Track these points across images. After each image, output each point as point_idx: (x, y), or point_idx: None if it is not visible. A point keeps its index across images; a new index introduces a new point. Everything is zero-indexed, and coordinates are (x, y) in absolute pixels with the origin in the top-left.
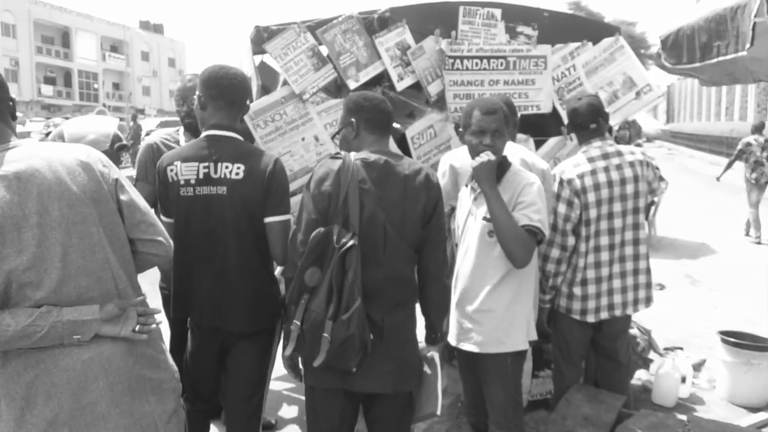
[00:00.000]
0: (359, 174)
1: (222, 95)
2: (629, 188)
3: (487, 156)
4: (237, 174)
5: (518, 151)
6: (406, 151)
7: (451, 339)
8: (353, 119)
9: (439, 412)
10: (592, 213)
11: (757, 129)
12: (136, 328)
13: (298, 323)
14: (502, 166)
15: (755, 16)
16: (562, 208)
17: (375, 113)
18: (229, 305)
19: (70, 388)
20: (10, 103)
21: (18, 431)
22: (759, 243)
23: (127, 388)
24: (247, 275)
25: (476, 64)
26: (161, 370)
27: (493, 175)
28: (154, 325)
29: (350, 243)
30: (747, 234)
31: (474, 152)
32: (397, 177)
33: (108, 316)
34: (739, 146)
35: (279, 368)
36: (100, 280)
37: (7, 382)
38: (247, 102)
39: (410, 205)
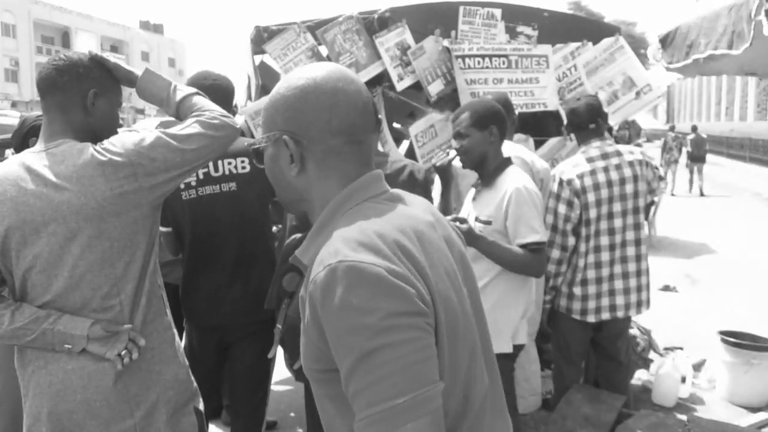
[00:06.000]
0: None
1: (206, 94)
2: (629, 188)
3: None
4: (243, 168)
5: (517, 150)
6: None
7: None
8: None
9: None
10: (592, 213)
11: (671, 129)
12: (122, 353)
13: (280, 327)
14: (500, 166)
15: (755, 16)
16: (562, 209)
17: None
18: (233, 300)
19: (50, 392)
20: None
21: (21, 414)
22: (673, 195)
23: (106, 405)
24: (254, 267)
25: (478, 62)
26: (153, 384)
27: (473, 240)
28: (135, 355)
29: None
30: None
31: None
32: None
33: (94, 336)
34: (663, 140)
35: (281, 370)
36: (106, 296)
37: (19, 368)
38: (233, 104)
39: None
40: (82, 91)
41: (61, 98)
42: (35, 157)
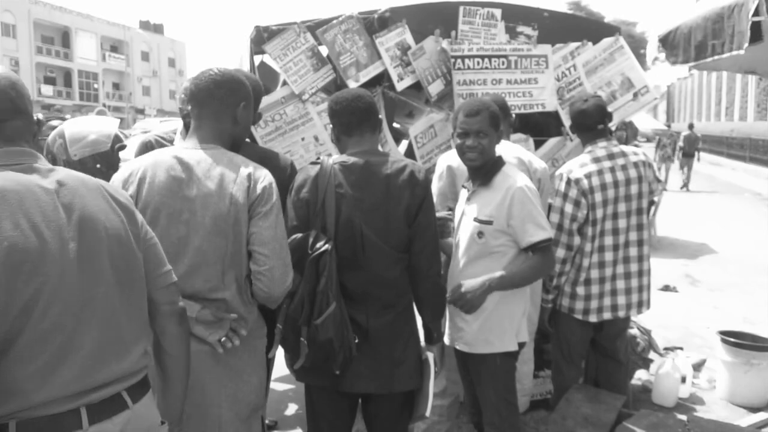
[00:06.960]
0: (336, 178)
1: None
2: (633, 189)
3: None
4: None
5: (515, 150)
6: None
7: (446, 337)
8: (331, 124)
9: (428, 414)
10: (599, 213)
11: (668, 127)
12: (222, 339)
13: (280, 327)
14: (496, 165)
15: (753, 15)
16: (569, 208)
17: (346, 116)
18: None
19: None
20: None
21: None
22: (665, 190)
23: (200, 388)
24: None
25: (477, 63)
26: (242, 382)
27: (491, 288)
28: (237, 342)
29: (323, 248)
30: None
31: (459, 153)
32: (378, 177)
33: (202, 319)
34: (657, 139)
35: (280, 369)
36: (214, 288)
37: None
38: (241, 105)
39: (393, 205)
40: (235, 103)
41: (218, 108)
42: (190, 152)
